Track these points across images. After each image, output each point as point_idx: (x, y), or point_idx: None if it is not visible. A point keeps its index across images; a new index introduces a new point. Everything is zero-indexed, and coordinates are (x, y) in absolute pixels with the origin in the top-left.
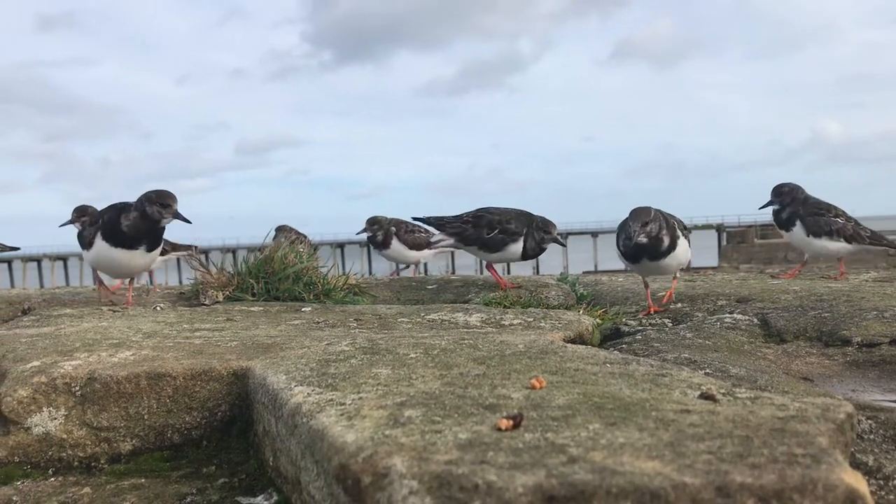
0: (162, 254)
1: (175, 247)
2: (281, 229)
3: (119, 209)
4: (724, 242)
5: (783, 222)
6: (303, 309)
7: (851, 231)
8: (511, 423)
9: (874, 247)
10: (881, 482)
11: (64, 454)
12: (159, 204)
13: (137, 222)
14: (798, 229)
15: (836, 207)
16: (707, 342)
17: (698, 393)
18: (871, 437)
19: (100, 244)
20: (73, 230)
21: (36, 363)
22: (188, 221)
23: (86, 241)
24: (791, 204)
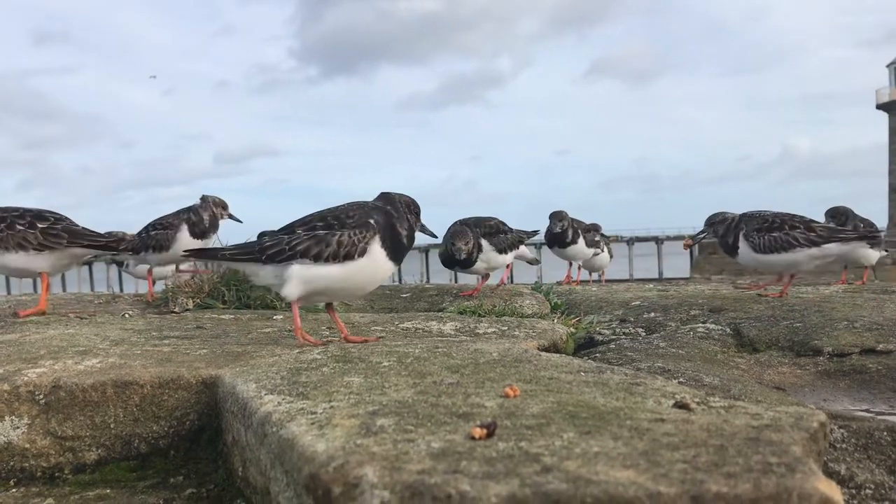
0: None
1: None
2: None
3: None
4: (696, 254)
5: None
6: (274, 317)
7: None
8: (485, 431)
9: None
10: (853, 491)
11: (27, 464)
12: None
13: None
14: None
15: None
16: (680, 351)
17: (672, 402)
18: (844, 445)
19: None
20: None
21: None
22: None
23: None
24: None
